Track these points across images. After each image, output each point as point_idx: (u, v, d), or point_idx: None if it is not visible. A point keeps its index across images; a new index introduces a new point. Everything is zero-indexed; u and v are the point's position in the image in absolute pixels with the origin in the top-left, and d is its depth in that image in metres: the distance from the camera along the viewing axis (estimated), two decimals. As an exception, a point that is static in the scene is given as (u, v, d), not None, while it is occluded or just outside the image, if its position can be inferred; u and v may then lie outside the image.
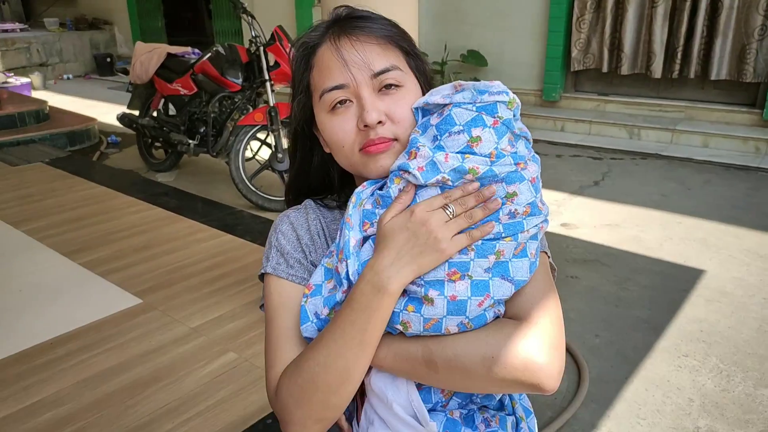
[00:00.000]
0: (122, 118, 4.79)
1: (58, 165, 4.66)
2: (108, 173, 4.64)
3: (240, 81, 4.12)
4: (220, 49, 4.18)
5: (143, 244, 3.17)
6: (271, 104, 3.84)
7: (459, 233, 0.75)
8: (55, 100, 7.39)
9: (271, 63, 3.94)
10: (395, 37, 0.87)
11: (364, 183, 0.86)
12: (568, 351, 2.33)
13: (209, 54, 4.17)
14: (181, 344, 2.24)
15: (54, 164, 4.68)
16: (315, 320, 0.83)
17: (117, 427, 1.82)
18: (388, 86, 0.84)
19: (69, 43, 10.08)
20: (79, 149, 5.51)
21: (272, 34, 3.93)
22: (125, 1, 10.18)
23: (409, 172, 0.78)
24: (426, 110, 0.83)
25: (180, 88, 4.35)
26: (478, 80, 0.84)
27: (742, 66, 5.00)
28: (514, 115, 0.79)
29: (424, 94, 0.86)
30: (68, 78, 9.85)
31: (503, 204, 0.77)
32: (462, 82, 0.82)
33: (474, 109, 0.77)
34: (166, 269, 2.87)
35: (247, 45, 4.10)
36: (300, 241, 0.92)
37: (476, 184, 0.76)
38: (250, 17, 3.94)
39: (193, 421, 1.84)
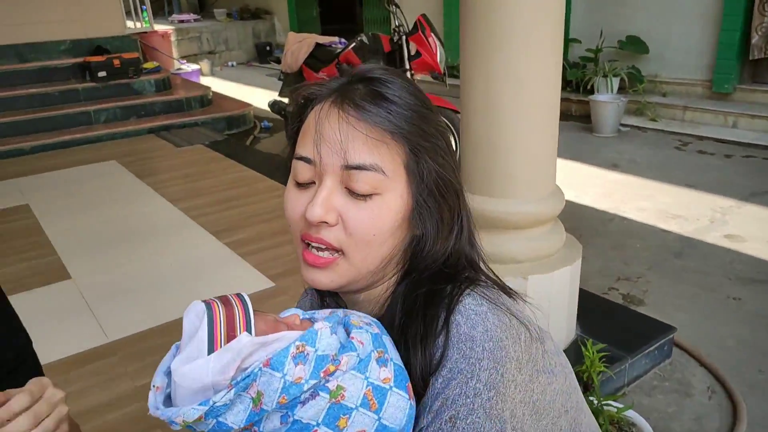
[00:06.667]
0: (273, 105, 5.05)
1: (215, 147, 5.04)
2: (258, 157, 4.92)
3: (381, 70, 4.13)
4: (364, 39, 4.22)
5: (282, 228, 3.31)
6: (411, 94, 3.81)
7: None
8: (219, 86, 8.02)
9: (413, 52, 3.90)
10: (401, 131, 0.67)
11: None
12: (723, 385, 2.04)
13: (354, 44, 4.24)
14: (306, 332, 2.29)
15: (212, 147, 5.07)
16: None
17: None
18: (361, 195, 0.66)
19: (234, 32, 10.88)
20: (236, 133, 5.92)
21: (415, 24, 3.89)
22: (285, -8, 10.77)
23: None
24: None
25: (325, 77, 4.46)
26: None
27: None
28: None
29: (425, 212, 0.69)
30: (232, 65, 10.65)
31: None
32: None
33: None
34: (299, 255, 2.96)
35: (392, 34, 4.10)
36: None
37: None
38: (394, 6, 3.93)
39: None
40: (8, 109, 5.40)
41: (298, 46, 4.72)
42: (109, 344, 2.29)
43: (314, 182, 0.69)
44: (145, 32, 7.80)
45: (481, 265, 0.77)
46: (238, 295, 0.70)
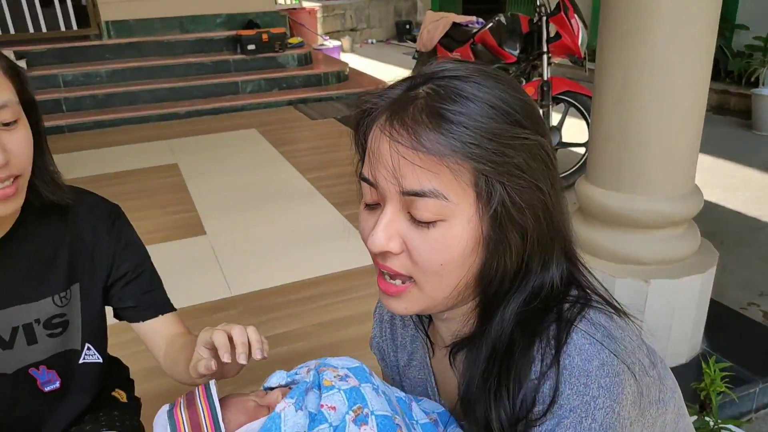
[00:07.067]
0: (404, 83, 5.09)
1: (346, 122, 5.18)
2: (385, 134, 5.01)
3: (517, 52, 4.00)
4: (502, 19, 4.10)
5: (400, 205, 3.35)
6: (545, 78, 3.65)
7: None
8: (356, 62, 8.23)
9: (552, 34, 3.73)
10: (460, 155, 0.59)
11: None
12: None
13: (490, 24, 4.13)
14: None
15: (343, 121, 5.23)
16: None
17: (341, 373, 1.98)
18: (424, 223, 0.61)
19: (376, 9, 11.07)
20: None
21: (558, 4, 3.70)
22: (428, -30, 10.73)
23: None
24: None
25: (459, 57, 4.42)
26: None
27: None
28: None
29: (494, 238, 0.61)
30: (371, 42, 10.87)
31: None
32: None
33: None
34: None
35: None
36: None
37: None
38: (536, -15, 3.77)
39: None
40: (169, 75, 5.94)
41: (434, 25, 4.69)
42: (231, 298, 2.47)
43: (380, 204, 0.64)
44: (294, 8, 8.19)
45: (582, 270, 0.70)
46: (206, 389, 0.72)
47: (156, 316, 1.10)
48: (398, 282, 0.65)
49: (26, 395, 1.03)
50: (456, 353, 0.72)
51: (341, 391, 0.66)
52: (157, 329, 1.10)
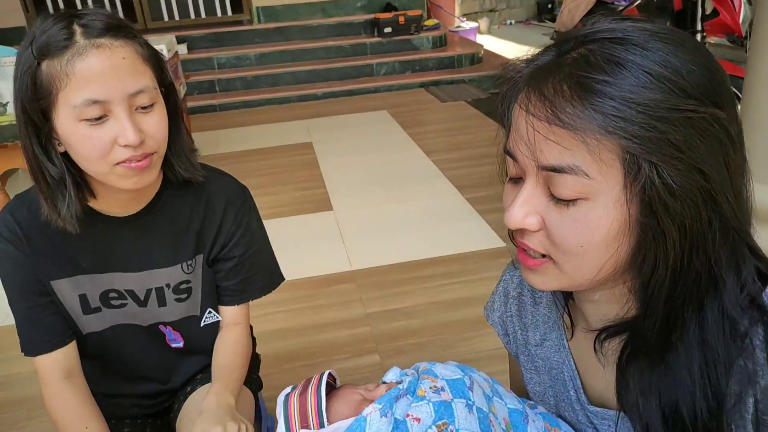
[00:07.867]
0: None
1: (477, 105, 5.13)
2: (516, 118, 4.88)
3: (666, 31, 3.70)
4: (652, -5, 3.81)
5: (525, 191, 3.26)
6: (697, 60, 3.34)
7: None
8: (492, 44, 8.07)
9: (708, 11, 3.40)
10: (604, 126, 0.52)
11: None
12: None
13: (638, 0, 3.85)
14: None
15: (474, 104, 5.17)
16: None
17: (449, 352, 2.00)
18: (564, 201, 0.57)
19: (517, -11, 10.72)
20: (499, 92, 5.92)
21: (717, -23, 3.36)
22: (576, -54, 10.16)
23: None
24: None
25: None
26: None
27: None
28: None
29: (642, 223, 0.56)
30: (510, 23, 10.56)
31: None
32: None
33: None
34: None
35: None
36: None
37: None
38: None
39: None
40: (310, 58, 6.24)
41: (576, 3, 4.47)
42: (351, 272, 2.57)
43: (522, 178, 0.61)
44: (433, -10, 8.15)
45: None
46: (320, 378, 0.75)
47: (235, 304, 1.17)
48: (536, 255, 0.63)
49: (157, 347, 1.16)
50: (605, 340, 0.68)
51: (430, 404, 0.66)
52: (226, 311, 1.18)
